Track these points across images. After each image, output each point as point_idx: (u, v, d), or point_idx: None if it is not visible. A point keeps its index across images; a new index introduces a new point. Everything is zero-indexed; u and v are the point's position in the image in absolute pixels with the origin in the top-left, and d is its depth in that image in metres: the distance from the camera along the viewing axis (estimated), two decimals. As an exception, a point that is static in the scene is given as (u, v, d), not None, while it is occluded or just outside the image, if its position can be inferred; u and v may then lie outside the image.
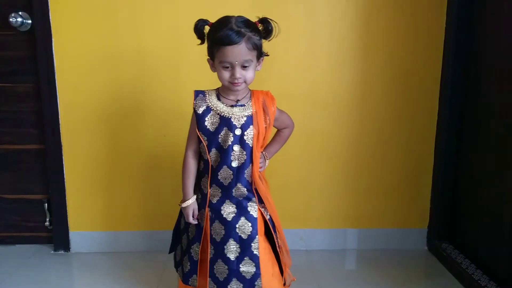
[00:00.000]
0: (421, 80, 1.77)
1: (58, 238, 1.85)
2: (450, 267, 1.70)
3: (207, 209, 1.25)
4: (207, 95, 1.24)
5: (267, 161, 1.33)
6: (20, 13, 1.68)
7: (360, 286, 1.60)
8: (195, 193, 1.29)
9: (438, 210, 1.82)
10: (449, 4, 1.69)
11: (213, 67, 1.21)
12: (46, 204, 1.84)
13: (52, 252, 1.86)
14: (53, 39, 1.69)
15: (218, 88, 1.26)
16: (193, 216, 1.28)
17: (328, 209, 1.86)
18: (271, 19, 1.19)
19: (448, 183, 1.79)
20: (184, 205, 1.28)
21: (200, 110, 1.22)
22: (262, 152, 1.30)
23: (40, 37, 1.69)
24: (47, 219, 1.85)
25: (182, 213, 1.33)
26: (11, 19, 1.65)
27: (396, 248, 1.87)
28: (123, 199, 1.82)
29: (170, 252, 1.43)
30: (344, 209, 1.86)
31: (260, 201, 1.27)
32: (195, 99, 1.23)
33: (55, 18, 1.68)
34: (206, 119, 1.21)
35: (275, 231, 1.29)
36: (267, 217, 1.27)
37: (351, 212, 1.86)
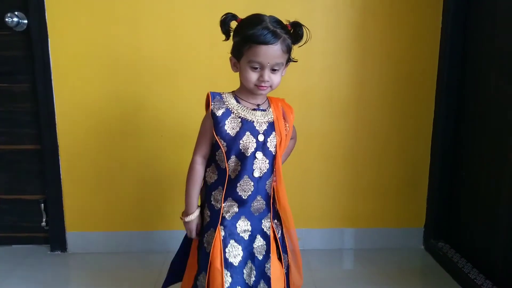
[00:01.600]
0: (417, 80, 1.78)
1: (55, 239, 1.85)
2: (446, 266, 1.71)
3: (219, 227, 1.10)
4: (225, 97, 1.12)
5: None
6: (16, 13, 1.67)
7: (357, 286, 1.61)
8: (201, 209, 1.17)
9: (435, 209, 1.83)
10: (445, 5, 1.70)
11: (235, 67, 1.11)
12: (43, 204, 1.83)
13: (49, 252, 1.85)
14: (49, 39, 1.69)
15: (234, 91, 1.15)
16: (196, 232, 1.16)
17: (324, 209, 1.86)
18: (303, 24, 1.11)
19: (444, 182, 1.80)
20: (187, 219, 1.14)
21: (219, 113, 1.09)
22: None
23: (36, 37, 1.68)
24: (44, 220, 1.84)
25: (185, 241, 1.21)
26: (7, 19, 1.65)
27: (393, 247, 1.87)
28: (120, 199, 1.82)
29: (164, 286, 1.28)
30: (341, 209, 1.87)
31: (274, 218, 1.17)
32: (212, 100, 1.10)
33: (51, 18, 1.68)
34: (226, 122, 1.08)
35: (284, 251, 1.18)
36: (278, 235, 1.17)
37: (348, 212, 1.87)
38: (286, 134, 1.15)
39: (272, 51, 1.03)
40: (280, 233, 1.19)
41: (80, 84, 1.73)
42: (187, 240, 1.23)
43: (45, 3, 1.66)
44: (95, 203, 1.82)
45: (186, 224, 1.16)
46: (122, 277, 1.65)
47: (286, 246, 1.19)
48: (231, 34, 1.10)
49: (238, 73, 1.11)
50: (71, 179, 1.80)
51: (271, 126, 1.12)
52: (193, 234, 1.16)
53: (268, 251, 1.13)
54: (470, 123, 1.67)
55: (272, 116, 1.13)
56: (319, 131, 1.80)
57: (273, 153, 1.12)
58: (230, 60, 1.12)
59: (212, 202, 1.13)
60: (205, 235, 1.13)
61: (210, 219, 1.13)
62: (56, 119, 1.75)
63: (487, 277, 1.53)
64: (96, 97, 1.74)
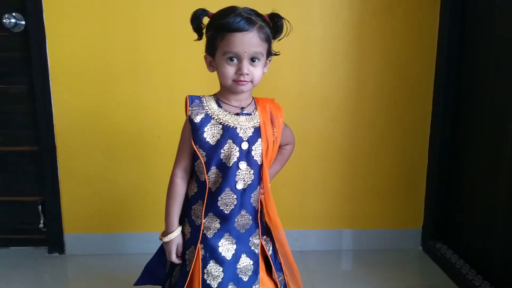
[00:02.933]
0: (414, 81, 1.78)
1: (53, 240, 1.84)
2: (444, 267, 1.71)
3: (199, 245, 1.00)
4: (205, 101, 1.02)
5: (268, 184, 1.10)
6: (13, 14, 1.67)
7: (355, 287, 1.61)
8: (181, 224, 1.06)
9: (432, 210, 1.83)
10: (443, 6, 1.70)
11: (211, 66, 1.01)
12: (40, 206, 1.83)
13: (47, 254, 1.85)
14: (47, 40, 1.68)
15: (216, 94, 1.05)
16: (176, 254, 1.04)
17: (322, 210, 1.86)
18: (282, 16, 1.03)
19: (441, 183, 1.80)
20: (166, 239, 1.03)
21: (198, 119, 0.98)
22: None
23: (34, 38, 1.68)
24: (42, 221, 1.84)
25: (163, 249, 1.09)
26: (4, 20, 1.64)
27: (391, 248, 1.87)
28: (118, 201, 1.82)
29: (135, 284, 1.19)
30: (339, 210, 1.87)
31: (263, 233, 1.06)
32: (190, 105, 1.00)
33: (49, 19, 1.67)
34: (205, 129, 0.98)
35: (279, 269, 1.08)
36: (269, 253, 1.07)
37: (346, 213, 1.87)
38: (274, 141, 1.03)
39: (248, 39, 0.94)
40: (271, 249, 1.08)
41: (77, 86, 1.73)
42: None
43: (43, 5, 1.66)
44: (93, 205, 1.82)
45: (165, 244, 1.05)
46: (120, 279, 1.65)
47: (280, 263, 1.09)
48: (204, 31, 1.02)
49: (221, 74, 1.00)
50: (69, 180, 1.80)
51: (257, 132, 1.01)
52: (173, 257, 1.04)
53: (256, 271, 1.02)
54: (467, 124, 1.67)
55: (259, 121, 1.02)
56: (316, 132, 1.80)
57: (259, 163, 1.01)
58: (205, 59, 1.03)
59: (192, 217, 1.03)
60: (186, 252, 1.03)
61: (190, 235, 1.03)
62: (54, 121, 1.74)
63: (485, 278, 1.54)
64: (94, 98, 1.74)
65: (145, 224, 1.84)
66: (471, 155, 1.65)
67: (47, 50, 1.69)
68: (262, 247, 1.05)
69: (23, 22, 1.69)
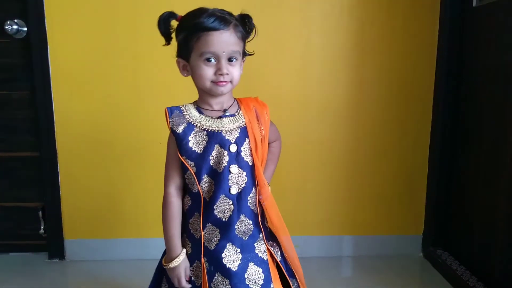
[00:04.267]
0: (414, 87, 1.79)
1: (53, 246, 1.84)
2: (445, 274, 1.70)
3: (202, 259, 0.96)
4: (184, 110, 0.99)
5: (268, 187, 1.05)
6: (15, 20, 1.68)
7: (355, 293, 1.61)
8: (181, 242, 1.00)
9: (433, 216, 1.83)
10: (442, 13, 1.71)
11: (185, 71, 0.98)
12: (41, 211, 1.83)
13: (47, 260, 1.84)
14: (48, 46, 1.69)
15: (195, 101, 1.02)
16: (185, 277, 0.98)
17: (323, 216, 1.86)
18: (251, 17, 0.99)
19: (442, 190, 1.80)
20: (172, 264, 0.96)
21: (180, 129, 0.96)
22: None
23: (35, 45, 1.69)
24: (42, 227, 1.83)
25: (161, 276, 1.03)
26: (6, 27, 1.65)
27: (392, 254, 1.87)
28: (119, 207, 1.82)
29: None
30: (339, 216, 1.87)
31: (268, 238, 1.02)
32: (170, 116, 0.97)
33: (50, 26, 1.68)
34: (190, 138, 0.95)
35: (292, 275, 1.04)
36: (278, 258, 1.02)
37: (347, 219, 1.87)
38: (262, 139, 1.00)
39: (226, 38, 0.91)
40: (279, 254, 1.03)
41: (79, 91, 1.73)
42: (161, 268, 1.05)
43: (45, 11, 1.67)
44: (94, 211, 1.82)
45: (171, 271, 0.97)
46: (120, 285, 1.65)
47: (292, 269, 1.04)
48: (172, 35, 0.99)
49: (198, 78, 0.97)
50: (69, 186, 1.80)
51: (244, 132, 0.97)
52: (182, 282, 0.97)
53: (267, 279, 0.96)
54: (467, 131, 1.67)
55: (244, 120, 0.98)
56: (317, 138, 1.80)
57: (250, 164, 0.97)
58: (178, 63, 0.99)
59: (191, 231, 0.99)
60: (191, 268, 0.99)
61: (192, 250, 0.98)
62: (55, 126, 1.75)
63: (485, 284, 1.53)
64: (95, 104, 1.74)
65: (146, 230, 1.83)
66: (471, 162, 1.65)
67: (49, 56, 1.70)
68: (270, 253, 1.01)
69: (25, 29, 1.70)
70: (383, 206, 1.86)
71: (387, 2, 1.72)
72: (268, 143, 1.08)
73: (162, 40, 1.68)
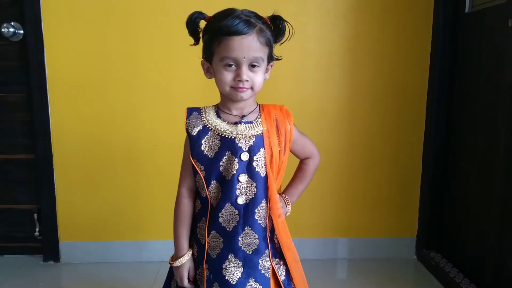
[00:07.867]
0: (408, 92, 1.80)
1: (48, 249, 1.83)
2: (439, 276, 1.72)
3: (204, 266, 0.95)
4: (203, 112, 0.96)
5: (289, 206, 1.01)
6: (12, 23, 1.68)
7: (350, 296, 1.61)
8: (190, 244, 0.99)
9: (427, 219, 1.85)
10: (435, 19, 1.73)
11: (209, 73, 0.95)
12: (36, 214, 1.82)
13: (42, 262, 1.84)
14: (45, 49, 1.70)
15: (217, 104, 1.00)
16: (188, 278, 0.98)
17: (318, 219, 1.87)
18: (284, 19, 0.96)
19: (435, 193, 1.82)
20: (176, 263, 0.97)
21: (195, 131, 0.94)
22: (281, 194, 1.01)
23: (32, 47, 1.69)
24: (37, 229, 1.83)
25: (172, 275, 1.03)
26: (3, 29, 1.66)
27: (386, 257, 1.88)
28: (114, 209, 1.82)
29: None
30: (334, 219, 1.88)
31: (275, 255, 0.97)
32: (188, 117, 0.96)
33: (47, 28, 1.69)
34: (203, 142, 0.93)
35: None
36: (281, 278, 0.97)
37: (341, 222, 1.88)
38: (280, 150, 0.95)
39: (247, 42, 0.87)
40: (284, 275, 0.98)
41: (75, 94, 1.74)
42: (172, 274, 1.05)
43: (41, 14, 1.67)
44: (89, 213, 1.82)
45: (175, 269, 0.98)
46: (115, 287, 1.65)
47: None
48: (200, 35, 0.96)
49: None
50: (64, 189, 1.80)
51: (260, 141, 0.93)
52: (185, 282, 0.97)
53: None
54: (460, 134, 1.69)
55: (262, 128, 0.95)
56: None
57: (262, 175, 0.93)
58: (202, 65, 0.96)
59: (198, 236, 0.98)
60: (197, 272, 0.99)
61: (197, 254, 0.98)
62: (50, 129, 1.75)
63: (478, 286, 1.55)
64: (91, 107, 1.74)
65: (141, 233, 1.84)
66: (464, 164, 1.67)
67: (45, 59, 1.70)
68: (273, 271, 0.96)
69: (22, 31, 1.70)
70: (377, 209, 1.88)
71: (381, 8, 1.74)
72: (301, 160, 1.05)
73: (158, 42, 1.71)
